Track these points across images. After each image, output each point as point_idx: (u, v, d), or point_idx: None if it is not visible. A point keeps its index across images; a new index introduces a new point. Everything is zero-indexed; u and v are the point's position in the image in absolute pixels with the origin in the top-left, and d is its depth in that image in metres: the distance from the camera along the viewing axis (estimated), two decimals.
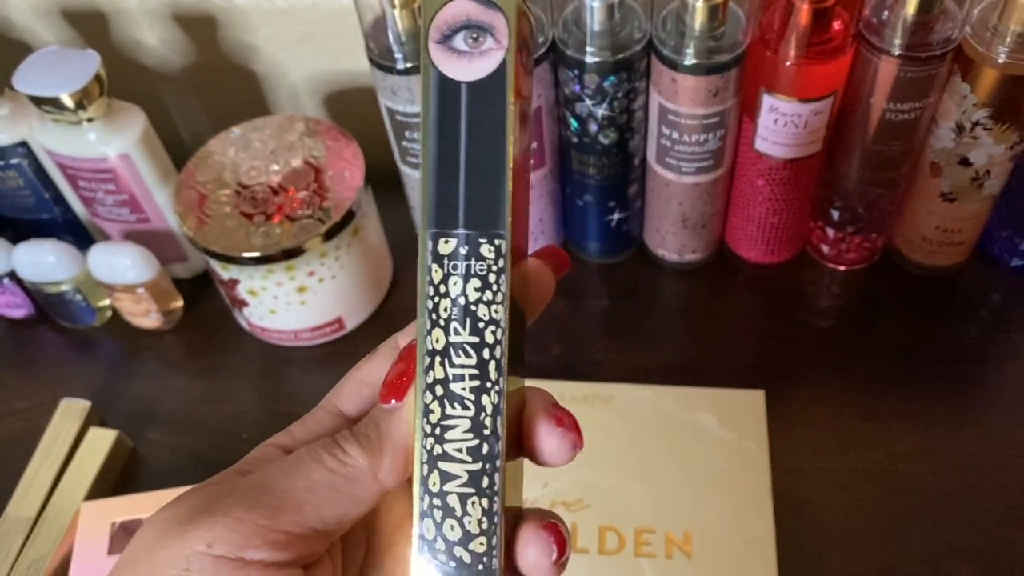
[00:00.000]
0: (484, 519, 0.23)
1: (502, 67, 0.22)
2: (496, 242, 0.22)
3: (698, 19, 0.46)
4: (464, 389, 0.23)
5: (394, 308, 0.61)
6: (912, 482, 0.50)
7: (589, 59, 0.48)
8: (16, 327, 0.63)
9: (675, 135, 0.51)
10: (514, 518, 0.24)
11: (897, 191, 0.54)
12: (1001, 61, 0.45)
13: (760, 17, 0.48)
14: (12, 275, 0.59)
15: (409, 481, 0.24)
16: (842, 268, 0.60)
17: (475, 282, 0.22)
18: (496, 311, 0.22)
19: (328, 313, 0.57)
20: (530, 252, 0.26)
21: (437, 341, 0.23)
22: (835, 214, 0.56)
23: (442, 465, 0.23)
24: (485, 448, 0.23)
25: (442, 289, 0.23)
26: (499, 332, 0.22)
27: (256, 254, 0.52)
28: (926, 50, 0.46)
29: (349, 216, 0.53)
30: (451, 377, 0.23)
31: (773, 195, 0.54)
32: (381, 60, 0.50)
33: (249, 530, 0.23)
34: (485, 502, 0.23)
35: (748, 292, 0.60)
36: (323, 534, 0.24)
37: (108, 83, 0.53)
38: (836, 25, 0.46)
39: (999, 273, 0.59)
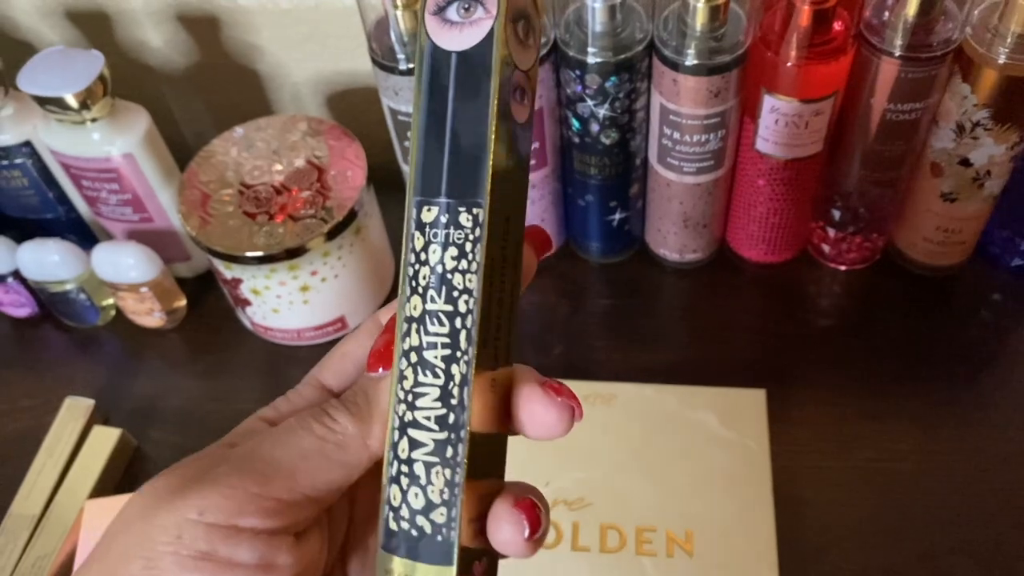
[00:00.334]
0: (446, 489, 0.23)
1: (489, 35, 0.21)
2: (474, 211, 0.22)
3: (699, 20, 0.46)
4: (436, 357, 0.23)
5: None
6: (913, 481, 0.50)
7: (591, 60, 0.48)
8: (20, 326, 0.63)
9: (676, 135, 0.51)
10: (492, 494, 0.24)
11: (898, 191, 0.55)
12: (1001, 62, 0.46)
13: (761, 18, 0.48)
14: (16, 274, 0.59)
15: None
16: (843, 268, 0.60)
17: (452, 250, 0.22)
18: (470, 280, 0.22)
19: (331, 312, 0.57)
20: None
21: (415, 308, 0.23)
22: (836, 214, 0.56)
23: (411, 432, 0.23)
24: (452, 418, 0.23)
25: (423, 257, 0.23)
26: (471, 302, 0.22)
27: (259, 253, 0.52)
28: (927, 51, 0.46)
29: (352, 216, 0.53)
30: (425, 344, 0.23)
31: (774, 195, 0.55)
32: (383, 60, 0.50)
33: (241, 497, 0.23)
34: (448, 472, 0.23)
35: (749, 292, 0.60)
36: (314, 501, 0.24)
37: (112, 83, 0.54)
38: (837, 26, 0.46)
39: (999, 273, 0.59)
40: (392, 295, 0.61)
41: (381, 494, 0.24)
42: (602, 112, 0.50)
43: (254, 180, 0.55)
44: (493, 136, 0.22)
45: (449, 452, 0.23)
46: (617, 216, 0.58)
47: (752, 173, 0.54)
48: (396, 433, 0.23)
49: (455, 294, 0.22)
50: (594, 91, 0.49)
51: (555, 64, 0.50)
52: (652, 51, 0.49)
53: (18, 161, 0.57)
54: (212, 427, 0.56)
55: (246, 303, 0.57)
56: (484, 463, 0.23)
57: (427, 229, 0.22)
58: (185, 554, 0.22)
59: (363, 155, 0.56)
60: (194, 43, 0.66)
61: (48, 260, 0.57)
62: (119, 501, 0.50)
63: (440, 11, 0.22)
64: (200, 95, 0.69)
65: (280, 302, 0.56)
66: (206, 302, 0.62)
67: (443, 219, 0.22)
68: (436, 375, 0.23)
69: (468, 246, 0.22)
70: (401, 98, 0.51)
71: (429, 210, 0.22)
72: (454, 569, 0.23)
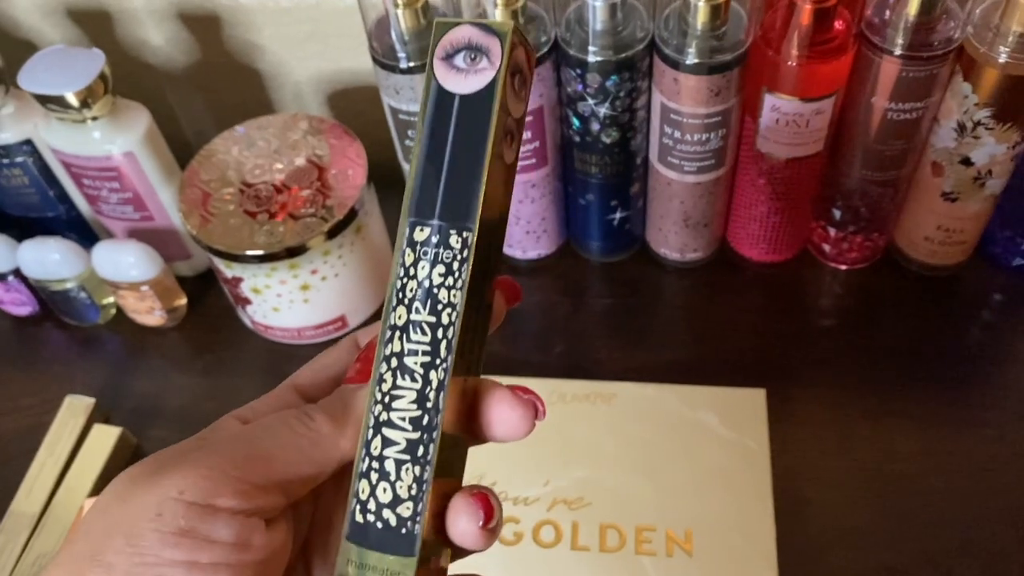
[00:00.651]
0: (414, 485, 0.25)
1: (492, 84, 0.24)
2: (464, 234, 0.24)
3: (700, 18, 0.46)
4: (416, 363, 0.25)
5: None
6: (913, 481, 0.50)
7: (591, 58, 0.48)
8: (21, 324, 0.63)
9: (677, 134, 0.51)
10: (450, 494, 0.26)
11: (899, 190, 0.55)
12: (1002, 61, 0.46)
13: (762, 16, 0.48)
14: (17, 273, 0.59)
15: None
16: (844, 267, 0.60)
17: (440, 268, 0.25)
18: (455, 296, 0.25)
19: (331, 311, 0.57)
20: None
21: (400, 317, 0.25)
22: (837, 213, 0.56)
23: (385, 431, 0.25)
24: (426, 420, 0.25)
25: (411, 272, 0.25)
26: (454, 315, 0.25)
27: (259, 252, 0.52)
28: (928, 50, 0.46)
29: (352, 214, 0.53)
30: (406, 351, 0.25)
31: (775, 194, 0.54)
32: (384, 59, 0.50)
33: (219, 479, 0.24)
34: (417, 470, 0.25)
35: (750, 291, 0.60)
36: (285, 491, 0.26)
37: (113, 82, 0.54)
38: (838, 25, 0.46)
39: (1000, 273, 0.59)
40: None
41: (350, 488, 0.25)
42: (603, 111, 0.50)
43: (255, 179, 0.55)
44: (487, 172, 0.24)
45: (420, 451, 0.25)
46: (618, 215, 0.58)
47: (753, 172, 0.54)
48: (370, 431, 0.25)
49: (439, 307, 0.25)
50: (595, 90, 0.49)
51: (556, 63, 0.50)
52: (653, 50, 0.49)
53: (19, 159, 0.57)
54: None
55: (246, 302, 0.57)
56: (448, 464, 0.25)
57: (418, 247, 0.25)
58: (166, 530, 0.23)
59: (364, 154, 0.56)
60: (195, 42, 0.66)
61: (49, 258, 0.57)
62: None
63: (448, 57, 0.25)
64: (201, 94, 0.69)
65: (280, 301, 0.56)
66: (207, 301, 0.62)
67: (434, 239, 0.25)
68: (415, 379, 0.25)
69: (455, 265, 0.25)
70: (402, 97, 0.51)
71: (422, 230, 0.25)
72: (415, 560, 0.24)
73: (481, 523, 0.25)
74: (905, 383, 0.54)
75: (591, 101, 0.50)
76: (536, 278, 0.62)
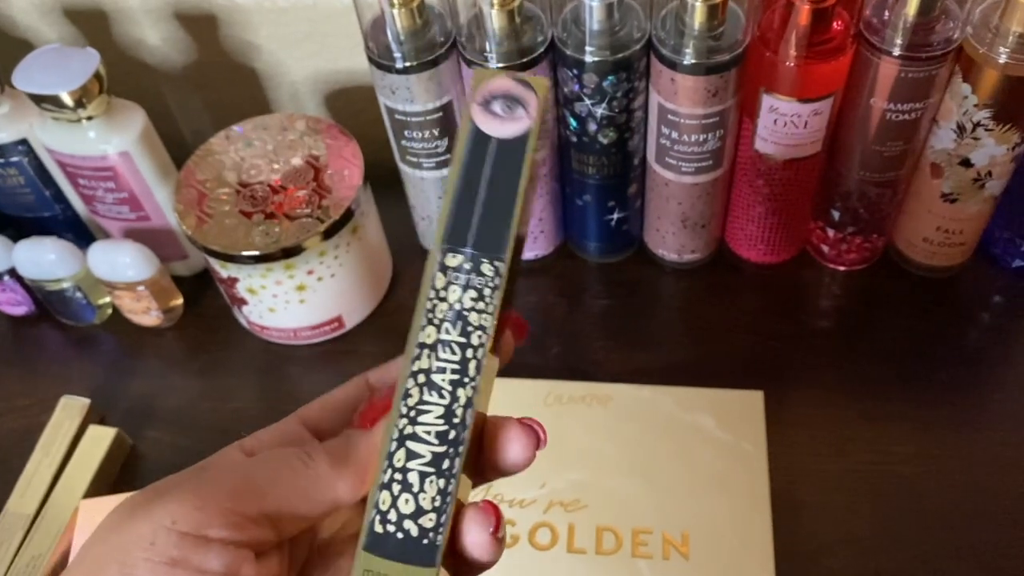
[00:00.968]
0: (438, 497, 0.26)
1: (527, 133, 0.27)
2: (496, 264, 0.26)
3: (697, 18, 0.46)
4: (444, 380, 0.26)
5: (393, 306, 0.61)
6: (911, 484, 0.50)
7: (588, 58, 0.48)
8: (17, 324, 0.63)
9: (674, 135, 0.51)
10: (457, 512, 0.27)
11: (898, 192, 0.54)
12: (1002, 62, 0.45)
13: (760, 17, 0.48)
14: (13, 272, 0.59)
15: (361, 502, 0.27)
16: (842, 268, 0.60)
17: (472, 293, 0.26)
18: (485, 319, 0.26)
19: (327, 312, 0.57)
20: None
21: (428, 336, 0.26)
22: (835, 214, 0.56)
23: (410, 444, 0.26)
24: (452, 434, 0.26)
25: (442, 295, 0.26)
26: (484, 337, 0.26)
27: (255, 253, 0.52)
28: (927, 50, 0.45)
29: (348, 215, 0.53)
30: (435, 368, 0.26)
31: (773, 195, 0.54)
32: (380, 59, 0.50)
33: (212, 510, 0.25)
34: (442, 482, 0.26)
35: (748, 292, 0.60)
36: (276, 526, 0.26)
37: (110, 81, 0.53)
38: (836, 25, 0.46)
39: (1000, 274, 0.58)
40: (388, 295, 0.61)
41: (368, 500, 0.26)
42: (600, 111, 0.50)
43: (251, 179, 0.55)
44: (520, 209, 0.26)
45: (446, 464, 0.26)
46: (615, 216, 0.58)
47: (751, 173, 0.54)
48: (393, 444, 0.26)
49: (469, 329, 0.26)
50: (592, 90, 0.49)
51: (552, 63, 0.50)
52: (650, 50, 0.48)
53: (14, 159, 0.57)
54: (209, 426, 0.56)
55: (242, 302, 0.57)
56: (464, 482, 0.26)
57: (449, 272, 0.27)
58: (158, 560, 0.24)
59: (360, 154, 0.55)
60: (192, 41, 0.65)
61: (44, 258, 0.57)
62: (114, 501, 0.50)
63: (486, 104, 0.27)
64: (199, 93, 0.69)
65: (276, 301, 0.55)
66: (203, 301, 0.62)
67: (467, 266, 0.26)
68: (442, 396, 0.26)
69: (487, 291, 0.26)
70: (398, 96, 0.51)
71: (454, 256, 0.27)
72: (436, 570, 0.25)
73: (492, 530, 0.26)
74: (903, 385, 0.54)
75: (588, 101, 0.50)
76: (533, 279, 0.62)
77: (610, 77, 0.48)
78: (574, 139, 0.53)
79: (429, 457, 0.26)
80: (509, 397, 0.51)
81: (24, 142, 0.56)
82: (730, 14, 0.47)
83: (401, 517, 0.25)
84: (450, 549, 0.26)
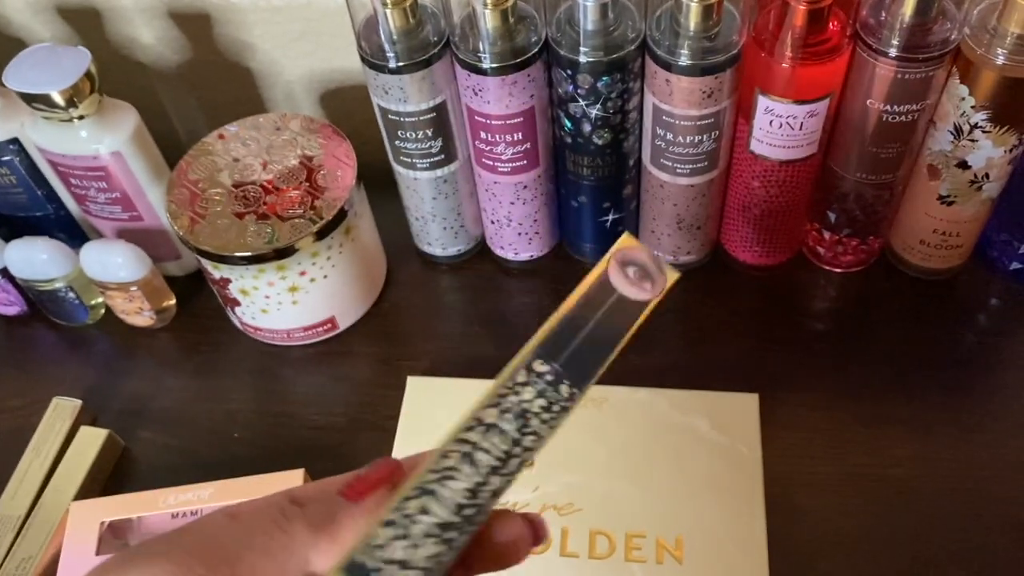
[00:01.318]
0: (431, 561, 0.26)
1: (646, 303, 0.29)
2: (574, 390, 0.28)
3: (692, 19, 0.45)
4: (485, 460, 0.27)
5: (387, 308, 0.60)
6: (906, 487, 0.50)
7: (583, 59, 0.47)
8: (9, 325, 0.63)
9: (669, 136, 0.50)
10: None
11: (894, 194, 0.54)
12: (1000, 63, 0.45)
13: (755, 17, 0.47)
14: (5, 272, 0.59)
15: None
16: (838, 271, 0.59)
17: (543, 401, 0.28)
18: (543, 430, 0.28)
19: (320, 313, 0.57)
20: None
21: (489, 416, 0.28)
22: (832, 216, 0.56)
23: (427, 500, 0.26)
24: (469, 512, 0.26)
25: (517, 390, 0.28)
26: (535, 443, 0.27)
27: (247, 253, 0.51)
28: (924, 51, 0.45)
29: (341, 215, 0.53)
30: (482, 446, 0.27)
31: (769, 197, 0.54)
32: (373, 59, 0.49)
33: (184, 574, 0.25)
34: (442, 549, 0.26)
35: (743, 294, 0.59)
36: None
37: (104, 80, 0.53)
38: (832, 26, 0.46)
39: (997, 277, 0.58)
40: (382, 296, 0.61)
41: (367, 529, 0.26)
42: (594, 112, 0.50)
43: (244, 179, 0.55)
44: (612, 357, 0.29)
45: (451, 535, 0.26)
46: (611, 217, 0.57)
47: (747, 175, 0.53)
48: (413, 491, 0.26)
49: (526, 430, 0.28)
50: (586, 91, 0.49)
51: (547, 63, 0.50)
52: (645, 50, 0.48)
53: (6, 158, 0.56)
54: (202, 427, 0.56)
55: (235, 303, 0.56)
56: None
57: (531, 374, 0.28)
58: None
59: (353, 154, 0.55)
60: (186, 40, 0.65)
61: (36, 258, 0.57)
62: (104, 503, 0.50)
63: (623, 264, 0.30)
64: (193, 92, 0.69)
65: (269, 302, 0.55)
66: (196, 301, 0.62)
67: (549, 377, 0.28)
68: (478, 472, 0.27)
69: (556, 407, 0.28)
70: (391, 96, 0.51)
71: (543, 364, 0.28)
72: None
73: (535, 538, 0.28)
74: (899, 388, 0.54)
75: (582, 102, 0.49)
76: (528, 280, 0.61)
77: (605, 78, 0.48)
78: (569, 140, 0.52)
79: (441, 520, 0.26)
80: None
81: (15, 141, 0.56)
82: (725, 14, 0.46)
83: (388, 561, 0.25)
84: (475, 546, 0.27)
